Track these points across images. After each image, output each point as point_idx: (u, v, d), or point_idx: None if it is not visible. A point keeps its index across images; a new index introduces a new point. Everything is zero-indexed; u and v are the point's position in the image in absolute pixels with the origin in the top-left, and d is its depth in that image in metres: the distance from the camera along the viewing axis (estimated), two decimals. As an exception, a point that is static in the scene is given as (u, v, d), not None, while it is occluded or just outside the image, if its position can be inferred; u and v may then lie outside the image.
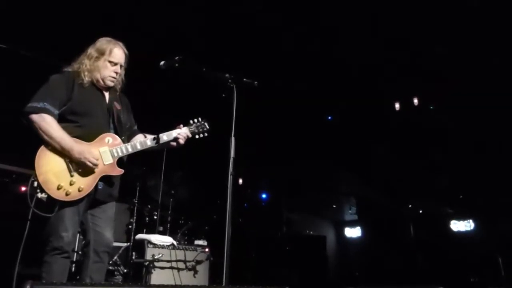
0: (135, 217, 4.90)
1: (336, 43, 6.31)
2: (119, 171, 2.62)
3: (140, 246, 4.25)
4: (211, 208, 6.58)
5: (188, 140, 2.88)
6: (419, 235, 7.78)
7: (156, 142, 2.77)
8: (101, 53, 2.70)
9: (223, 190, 2.41)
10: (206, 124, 2.94)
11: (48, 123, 2.43)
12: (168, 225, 5.25)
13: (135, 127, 2.98)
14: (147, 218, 5.18)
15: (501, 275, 5.87)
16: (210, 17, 5.73)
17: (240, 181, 8.22)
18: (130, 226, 4.84)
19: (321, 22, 5.97)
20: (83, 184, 2.46)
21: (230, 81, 2.63)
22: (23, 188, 3.96)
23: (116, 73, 2.74)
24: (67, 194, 2.40)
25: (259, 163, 7.94)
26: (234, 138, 2.54)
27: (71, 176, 2.44)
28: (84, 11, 5.14)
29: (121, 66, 2.77)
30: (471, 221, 7.26)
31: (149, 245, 4.19)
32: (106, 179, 2.61)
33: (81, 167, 2.47)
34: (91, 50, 2.73)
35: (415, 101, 7.51)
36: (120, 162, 2.67)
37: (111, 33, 2.86)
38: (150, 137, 2.81)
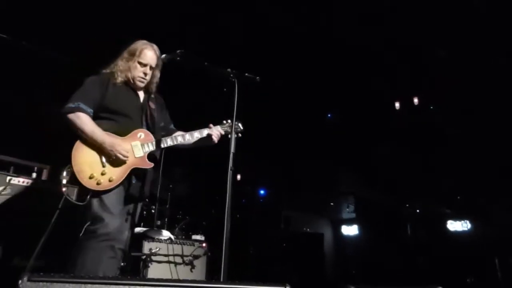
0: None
1: (337, 42, 6.30)
2: (149, 164, 2.74)
3: (138, 240, 4.24)
4: (209, 203, 6.58)
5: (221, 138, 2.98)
6: (416, 234, 7.79)
7: (187, 139, 2.90)
8: (132, 54, 2.82)
9: (221, 186, 2.42)
10: (240, 124, 3.01)
11: (81, 120, 2.58)
12: (166, 219, 5.24)
13: (171, 125, 3.12)
14: (145, 212, 5.17)
15: (497, 276, 5.88)
16: (213, 13, 5.72)
17: (239, 177, 8.21)
18: (128, 220, 4.83)
19: (322, 22, 5.96)
20: (114, 175, 2.57)
21: (231, 75, 2.64)
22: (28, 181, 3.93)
23: (145, 73, 2.83)
24: (98, 184, 2.52)
25: (258, 160, 7.94)
26: (235, 133, 2.55)
27: (103, 167, 2.57)
28: (88, 8, 5.13)
29: (151, 67, 2.84)
30: (467, 221, 7.27)
31: (146, 239, 4.19)
32: (138, 174, 2.73)
33: (112, 159, 2.59)
34: (124, 52, 2.85)
35: (415, 100, 7.51)
36: (154, 159, 2.79)
37: (112, 28, 2.87)
38: (181, 133, 2.94)
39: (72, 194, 2.56)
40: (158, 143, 2.78)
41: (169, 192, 5.51)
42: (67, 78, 2.77)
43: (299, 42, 6.29)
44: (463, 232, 7.25)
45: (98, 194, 2.53)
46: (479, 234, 6.87)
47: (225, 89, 2.64)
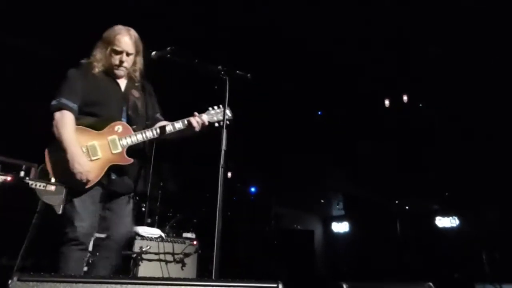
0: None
1: (328, 40, 6.32)
2: (128, 160, 2.57)
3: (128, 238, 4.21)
4: (200, 201, 6.56)
5: (205, 127, 2.79)
6: (405, 230, 7.87)
7: (168, 130, 2.72)
8: (107, 41, 2.66)
9: (212, 183, 2.41)
10: (228, 111, 2.75)
11: (65, 123, 2.44)
12: (157, 217, 5.22)
13: (158, 115, 2.93)
14: (135, 210, 5.13)
15: (485, 271, 5.97)
16: (205, 11, 5.71)
17: (229, 174, 8.20)
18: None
19: (315, 21, 5.98)
20: (90, 175, 2.44)
21: (222, 73, 2.61)
22: (9, 178, 3.88)
23: (121, 61, 2.67)
24: None
25: (249, 157, 7.94)
26: (226, 130, 2.53)
27: None
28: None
29: (128, 53, 2.69)
30: (455, 217, 7.37)
31: (137, 237, 4.16)
32: (118, 170, 2.57)
33: (89, 156, 2.46)
34: (99, 40, 2.70)
35: (405, 98, 7.58)
36: (137, 152, 2.65)
37: (100, 24, 2.79)
38: (163, 124, 2.76)
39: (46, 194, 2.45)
40: (137, 136, 2.62)
41: (160, 189, 5.48)
42: (56, 75, 2.68)
43: (292, 39, 6.29)
44: (451, 228, 7.34)
45: (80, 194, 2.43)
46: (467, 230, 6.97)
47: (216, 87, 2.62)
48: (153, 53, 2.66)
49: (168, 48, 2.63)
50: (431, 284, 2.03)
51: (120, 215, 2.64)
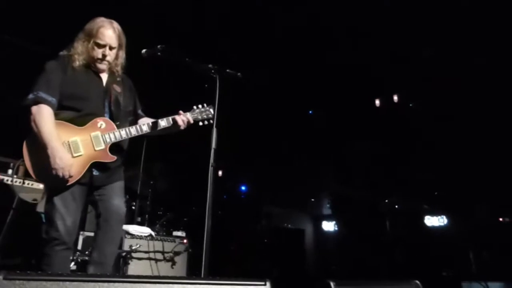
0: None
1: (320, 38, 6.34)
2: (111, 158, 2.49)
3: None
4: (191, 200, 6.55)
5: (190, 126, 2.75)
6: (394, 229, 7.94)
7: (153, 128, 2.66)
8: (89, 34, 2.55)
9: (203, 182, 2.40)
10: (211, 110, 2.77)
11: (42, 116, 2.33)
12: (147, 215, 5.20)
13: (139, 111, 2.87)
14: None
15: (472, 269, 6.05)
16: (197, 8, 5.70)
17: (220, 173, 8.20)
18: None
19: (307, 19, 5.99)
20: (72, 171, 2.35)
21: (213, 71, 2.60)
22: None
23: (104, 55, 2.57)
24: None
25: (240, 156, 7.94)
26: (216, 129, 2.51)
27: None
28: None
29: (111, 47, 2.59)
30: (444, 216, 7.45)
31: (127, 235, 4.14)
32: (100, 166, 2.49)
33: (71, 153, 2.38)
34: (81, 32, 2.59)
35: (395, 98, 7.63)
36: (119, 148, 2.59)
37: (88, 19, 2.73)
38: (147, 122, 2.69)
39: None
40: (121, 133, 2.53)
41: (150, 188, 5.46)
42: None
43: (283, 37, 6.30)
44: (439, 227, 7.43)
45: (59, 192, 2.36)
46: (455, 229, 7.05)
47: (206, 85, 2.61)
48: (144, 51, 2.61)
49: (159, 46, 2.60)
50: (418, 282, 2.04)
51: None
